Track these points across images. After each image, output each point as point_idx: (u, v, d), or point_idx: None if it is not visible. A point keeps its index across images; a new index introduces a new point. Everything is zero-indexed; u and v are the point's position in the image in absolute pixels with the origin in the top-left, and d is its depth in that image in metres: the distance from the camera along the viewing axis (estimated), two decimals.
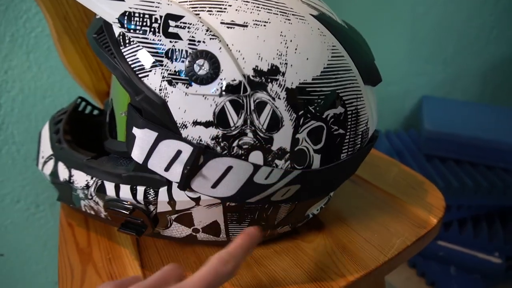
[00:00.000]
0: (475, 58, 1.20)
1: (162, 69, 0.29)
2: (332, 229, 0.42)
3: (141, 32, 0.28)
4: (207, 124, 0.29)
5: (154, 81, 0.29)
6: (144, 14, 0.28)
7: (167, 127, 0.30)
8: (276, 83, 0.29)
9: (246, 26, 0.29)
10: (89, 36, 0.33)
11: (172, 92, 0.29)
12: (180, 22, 0.28)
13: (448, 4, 1.07)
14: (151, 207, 0.34)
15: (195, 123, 0.29)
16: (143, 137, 0.30)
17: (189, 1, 0.30)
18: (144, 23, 0.28)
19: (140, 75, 0.30)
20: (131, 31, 0.29)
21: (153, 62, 0.29)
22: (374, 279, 0.37)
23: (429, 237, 0.41)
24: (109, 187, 0.35)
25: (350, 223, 0.42)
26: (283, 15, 0.30)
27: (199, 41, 0.28)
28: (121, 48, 0.30)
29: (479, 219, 0.97)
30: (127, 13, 0.28)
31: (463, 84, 1.23)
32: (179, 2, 0.30)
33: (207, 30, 0.28)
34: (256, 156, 0.30)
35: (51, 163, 0.39)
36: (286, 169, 0.31)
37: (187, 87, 0.28)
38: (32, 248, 0.76)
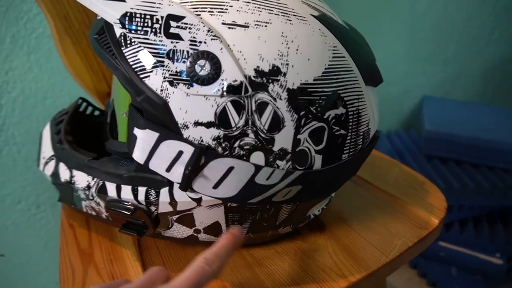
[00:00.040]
0: (475, 58, 1.20)
1: (163, 70, 0.29)
2: (333, 230, 0.42)
3: (142, 32, 0.28)
4: (208, 125, 0.29)
5: (155, 81, 0.29)
6: (145, 14, 0.28)
7: (168, 128, 0.30)
8: (278, 84, 0.29)
9: (247, 26, 0.29)
10: (90, 37, 0.33)
11: (173, 92, 0.29)
12: (182, 23, 0.28)
13: (447, 4, 1.07)
14: (153, 208, 0.34)
15: (197, 123, 0.29)
16: (144, 137, 0.30)
17: (190, 2, 0.30)
18: (145, 24, 0.28)
19: (141, 76, 0.30)
20: (132, 31, 0.29)
21: (154, 63, 0.29)
22: (376, 280, 0.37)
23: (430, 238, 0.41)
24: (110, 188, 0.35)
25: (351, 224, 0.42)
26: (284, 16, 0.30)
27: (200, 42, 0.28)
28: (122, 48, 0.30)
29: (480, 219, 0.97)
30: (128, 14, 0.28)
31: (463, 84, 1.23)
32: (180, 3, 0.30)
33: (208, 31, 0.28)
34: (258, 157, 0.30)
35: (52, 164, 0.39)
36: (288, 170, 0.31)
37: (188, 88, 0.28)
38: (32, 249, 0.76)
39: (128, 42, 0.30)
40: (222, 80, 0.28)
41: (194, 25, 0.28)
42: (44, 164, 0.40)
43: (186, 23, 0.28)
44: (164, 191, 0.33)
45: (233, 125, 0.29)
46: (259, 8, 0.30)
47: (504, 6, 1.14)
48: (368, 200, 0.46)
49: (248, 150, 0.30)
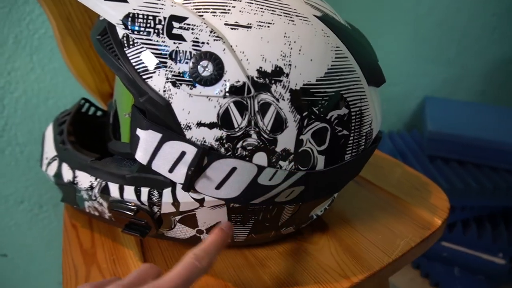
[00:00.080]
0: (478, 59, 1.20)
1: (166, 71, 0.29)
2: (336, 230, 0.41)
3: (145, 33, 0.28)
4: (211, 126, 0.29)
5: (158, 82, 0.29)
6: (148, 15, 0.28)
7: (171, 129, 0.30)
8: (280, 84, 0.29)
9: (250, 27, 0.29)
10: (93, 38, 0.33)
11: (176, 93, 0.29)
12: (184, 24, 0.28)
13: (450, 5, 1.07)
14: (155, 208, 0.34)
15: (199, 124, 0.29)
16: (147, 138, 0.30)
17: (193, 3, 0.30)
18: (148, 25, 0.28)
19: (144, 77, 0.30)
20: (135, 32, 0.29)
21: (157, 64, 0.29)
22: (378, 280, 0.37)
23: (433, 238, 0.41)
24: (113, 188, 0.35)
25: (354, 224, 0.42)
26: (286, 16, 0.30)
27: (203, 43, 0.28)
28: (124, 49, 0.30)
29: (483, 220, 0.97)
30: (131, 15, 0.28)
31: (466, 85, 1.23)
32: (183, 4, 0.30)
33: (211, 32, 0.28)
34: (260, 157, 0.30)
35: (55, 164, 0.39)
36: (290, 170, 0.31)
37: (191, 89, 0.28)
38: (35, 249, 0.76)
39: (131, 43, 0.30)
40: (225, 80, 0.28)
41: (197, 26, 0.28)
42: (47, 164, 0.41)
43: (189, 24, 0.28)
44: (167, 192, 0.33)
45: (235, 125, 0.29)
46: (261, 8, 0.30)
47: (507, 6, 1.14)
48: (371, 200, 0.46)
49: (251, 150, 0.30)
